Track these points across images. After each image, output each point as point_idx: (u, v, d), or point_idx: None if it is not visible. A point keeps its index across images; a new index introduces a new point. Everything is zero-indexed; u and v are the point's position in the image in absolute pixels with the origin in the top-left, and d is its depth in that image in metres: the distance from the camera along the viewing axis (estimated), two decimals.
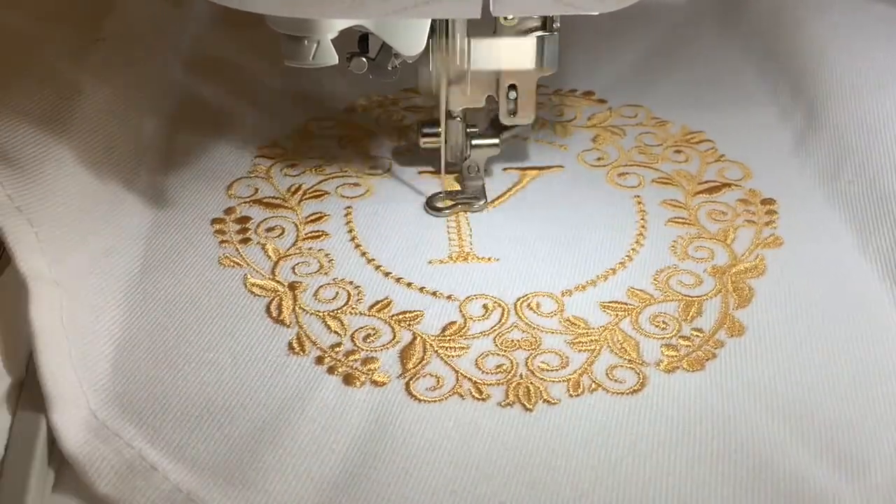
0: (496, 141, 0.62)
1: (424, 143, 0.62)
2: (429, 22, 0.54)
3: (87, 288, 0.51)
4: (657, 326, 0.52)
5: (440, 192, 0.62)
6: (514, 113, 0.60)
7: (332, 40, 0.52)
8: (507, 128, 0.62)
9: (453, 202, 0.61)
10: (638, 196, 0.62)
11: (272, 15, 0.50)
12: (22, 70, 0.57)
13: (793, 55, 0.71)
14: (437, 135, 0.61)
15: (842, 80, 0.66)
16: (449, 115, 0.60)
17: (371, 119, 0.70)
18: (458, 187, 0.62)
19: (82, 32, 0.65)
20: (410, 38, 0.54)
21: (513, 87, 0.59)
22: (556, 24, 0.57)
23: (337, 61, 0.53)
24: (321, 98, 0.71)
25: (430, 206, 0.61)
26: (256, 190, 0.62)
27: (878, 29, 0.70)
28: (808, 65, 0.69)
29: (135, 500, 0.43)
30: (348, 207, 0.61)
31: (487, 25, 0.57)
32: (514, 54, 0.58)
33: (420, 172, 0.64)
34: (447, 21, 0.57)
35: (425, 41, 0.54)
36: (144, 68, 0.67)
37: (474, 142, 0.62)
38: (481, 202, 0.61)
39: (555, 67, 0.59)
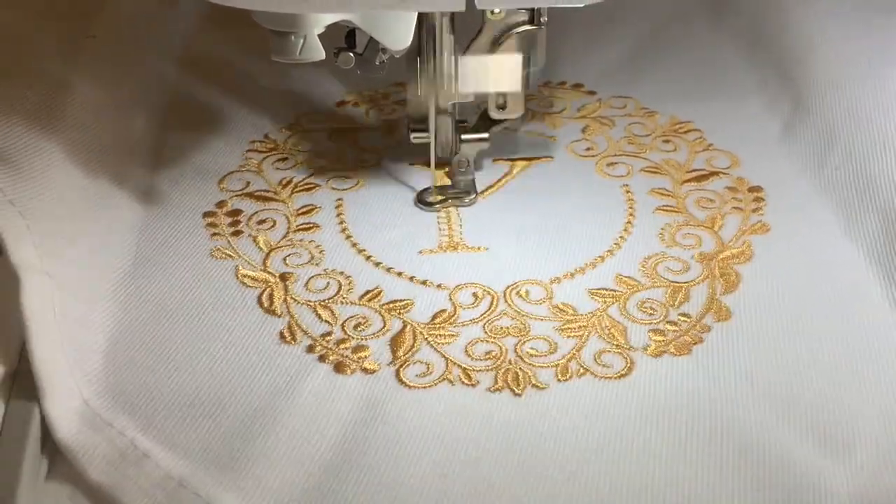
0: (486, 135, 0.62)
1: (414, 138, 0.62)
2: (415, 16, 0.54)
3: (80, 280, 0.52)
4: (645, 312, 0.52)
5: (430, 187, 0.62)
6: (503, 107, 0.61)
7: (319, 36, 0.53)
8: (496, 122, 0.62)
9: (443, 197, 0.61)
10: (626, 185, 0.62)
11: (258, 11, 0.51)
12: (12, 66, 0.58)
13: (780, 44, 0.72)
14: (426, 130, 0.61)
15: (829, 68, 0.66)
16: (438, 109, 0.60)
17: (361, 113, 0.70)
18: (448, 181, 0.63)
19: (73, 30, 0.65)
20: (397, 33, 0.54)
21: None
22: (544, 19, 0.57)
23: (324, 56, 0.53)
24: (312, 93, 0.71)
25: (421, 200, 0.61)
26: (248, 183, 0.63)
27: (864, 17, 0.70)
28: (796, 54, 0.69)
29: (127, 488, 0.43)
30: (339, 199, 0.61)
31: (473, 26, 0.57)
32: (502, 75, 0.58)
33: (411, 164, 0.64)
34: (434, 41, 0.57)
35: (412, 36, 0.54)
36: (135, 65, 0.68)
37: (464, 136, 0.62)
38: (471, 196, 0.61)
39: (543, 63, 0.59)
